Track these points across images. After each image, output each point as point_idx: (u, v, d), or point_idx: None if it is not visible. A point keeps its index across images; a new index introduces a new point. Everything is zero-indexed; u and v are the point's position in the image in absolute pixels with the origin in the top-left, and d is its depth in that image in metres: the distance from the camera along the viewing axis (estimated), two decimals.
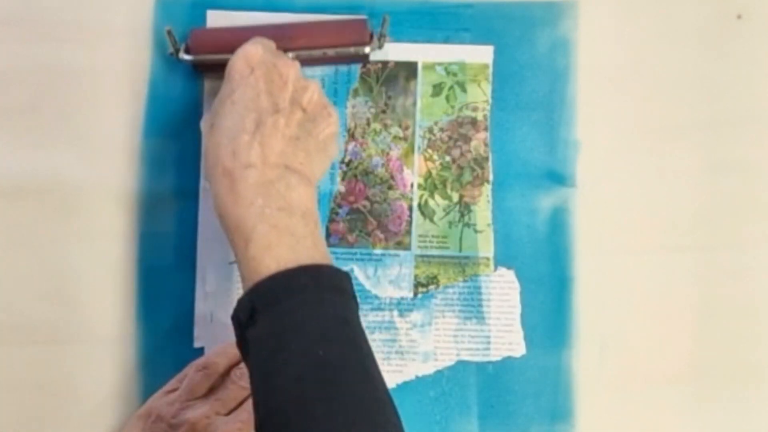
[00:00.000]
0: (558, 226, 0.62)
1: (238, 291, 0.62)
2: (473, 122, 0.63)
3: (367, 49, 0.60)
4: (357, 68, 0.63)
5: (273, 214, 0.50)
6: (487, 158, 0.63)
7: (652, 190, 0.62)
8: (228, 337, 0.61)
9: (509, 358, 0.62)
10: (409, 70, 0.63)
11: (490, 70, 0.63)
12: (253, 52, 0.54)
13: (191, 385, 0.57)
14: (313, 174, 0.54)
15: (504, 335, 0.62)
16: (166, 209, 0.62)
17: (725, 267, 0.62)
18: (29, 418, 0.61)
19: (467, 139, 0.63)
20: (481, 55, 0.63)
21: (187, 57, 0.60)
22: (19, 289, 0.62)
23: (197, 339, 0.62)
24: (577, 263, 0.62)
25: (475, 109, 0.63)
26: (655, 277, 0.62)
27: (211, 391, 0.58)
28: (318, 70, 0.63)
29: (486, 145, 0.63)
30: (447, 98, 0.63)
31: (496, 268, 0.62)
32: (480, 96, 0.63)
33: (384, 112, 0.63)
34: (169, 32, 0.60)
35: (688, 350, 0.62)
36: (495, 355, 0.62)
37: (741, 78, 0.63)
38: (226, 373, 0.58)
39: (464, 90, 0.63)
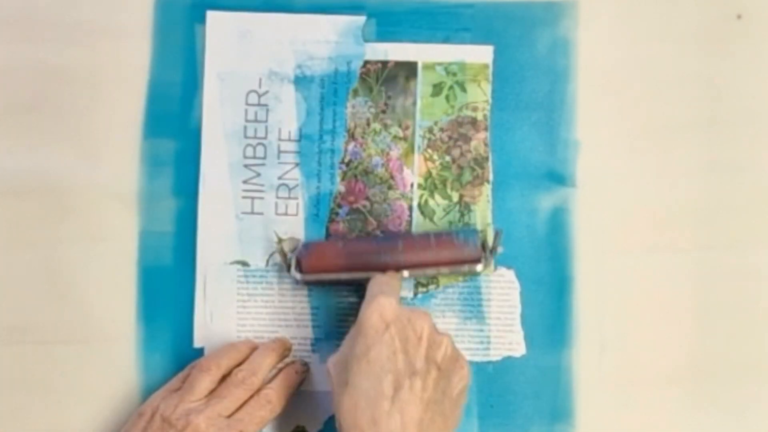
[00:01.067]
0: (558, 226, 0.62)
1: (238, 291, 0.62)
2: (473, 122, 0.63)
3: (479, 267, 0.60)
4: (357, 68, 0.63)
5: None
6: (487, 158, 0.63)
7: (652, 190, 0.62)
8: (227, 337, 0.62)
9: (509, 358, 0.62)
10: (408, 69, 0.63)
11: (490, 70, 0.63)
12: (388, 307, 0.53)
13: (194, 385, 0.57)
14: None
15: (504, 335, 0.62)
16: (166, 209, 0.62)
17: (725, 267, 0.62)
18: (29, 418, 0.61)
19: (467, 139, 0.63)
20: (481, 55, 0.63)
21: (298, 276, 0.60)
22: (19, 289, 0.62)
23: (197, 339, 0.62)
24: (577, 263, 0.62)
25: (475, 109, 0.63)
26: (655, 277, 0.62)
27: (213, 391, 0.58)
28: (317, 70, 0.63)
29: (486, 145, 0.63)
30: (447, 98, 0.63)
31: (496, 268, 0.62)
32: (480, 96, 0.63)
33: (384, 112, 0.63)
34: (280, 251, 0.60)
35: (688, 350, 0.62)
36: (495, 355, 0.62)
37: (741, 78, 0.63)
38: (228, 373, 0.59)
39: (464, 90, 0.63)
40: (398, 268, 0.59)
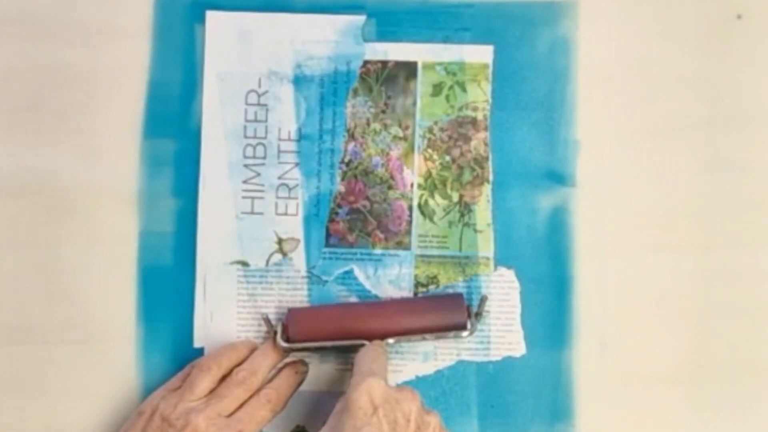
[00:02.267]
0: (558, 225, 0.62)
1: (237, 291, 0.62)
2: (473, 122, 0.63)
3: (465, 334, 0.60)
4: (356, 68, 0.63)
5: None
6: (487, 158, 0.63)
7: (652, 190, 0.62)
8: (227, 337, 0.62)
9: (509, 357, 0.62)
10: (408, 69, 0.63)
11: (490, 69, 0.63)
12: (377, 389, 0.53)
13: (194, 384, 0.57)
14: None
15: (504, 335, 0.62)
16: (166, 209, 0.62)
17: (725, 267, 0.62)
18: (29, 418, 0.61)
19: (467, 139, 0.63)
20: (481, 54, 0.63)
21: (284, 345, 0.59)
22: (18, 289, 0.62)
23: (197, 339, 0.62)
24: (577, 263, 0.62)
25: (475, 109, 0.63)
26: (655, 276, 0.62)
27: (213, 391, 0.58)
28: (317, 70, 0.63)
29: (486, 144, 0.63)
30: (447, 98, 0.63)
31: (496, 268, 0.62)
32: (480, 96, 0.63)
33: (384, 111, 0.63)
34: (266, 319, 0.61)
35: (688, 350, 0.62)
36: (495, 355, 0.62)
37: (741, 78, 0.63)
38: (228, 373, 0.59)
39: (464, 90, 0.63)
40: (383, 336, 0.59)
